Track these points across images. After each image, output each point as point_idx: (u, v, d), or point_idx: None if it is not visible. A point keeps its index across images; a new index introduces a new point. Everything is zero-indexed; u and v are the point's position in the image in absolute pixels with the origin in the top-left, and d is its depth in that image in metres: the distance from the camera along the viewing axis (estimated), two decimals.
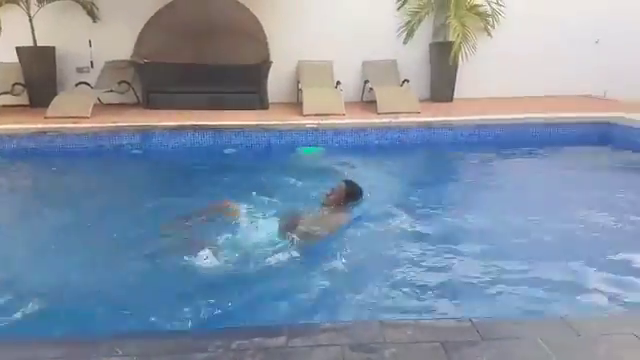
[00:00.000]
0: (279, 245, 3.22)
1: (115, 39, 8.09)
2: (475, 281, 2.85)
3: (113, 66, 8.08)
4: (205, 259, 3.02)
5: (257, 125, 6.42)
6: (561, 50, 8.66)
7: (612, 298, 2.58)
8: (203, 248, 3.09)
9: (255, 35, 7.74)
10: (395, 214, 3.88)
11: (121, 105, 8.01)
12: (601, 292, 2.64)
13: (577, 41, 8.69)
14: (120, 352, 1.88)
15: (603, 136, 6.57)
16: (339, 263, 3.09)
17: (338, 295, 2.78)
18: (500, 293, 2.67)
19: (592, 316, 2.22)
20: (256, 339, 1.97)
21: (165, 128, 6.33)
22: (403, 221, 3.77)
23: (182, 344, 1.96)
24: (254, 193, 4.05)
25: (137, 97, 8.12)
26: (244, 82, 7.69)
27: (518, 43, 8.50)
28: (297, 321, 2.40)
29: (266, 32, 7.75)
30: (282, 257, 3.08)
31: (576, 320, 1.99)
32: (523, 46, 8.52)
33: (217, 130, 6.33)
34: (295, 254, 3.13)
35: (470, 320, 2.03)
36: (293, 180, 4.88)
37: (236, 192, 4.49)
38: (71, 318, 2.49)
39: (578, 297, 2.63)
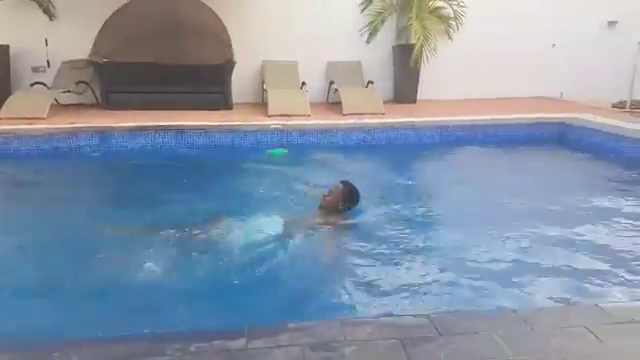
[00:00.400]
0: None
1: (73, 38, 7.84)
2: (435, 277, 2.90)
3: (71, 66, 7.83)
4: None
5: (221, 125, 6.35)
6: (519, 53, 8.89)
7: (564, 292, 2.67)
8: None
9: (219, 35, 7.65)
10: (358, 214, 3.89)
11: (79, 106, 7.77)
12: (553, 286, 2.73)
13: (535, 44, 8.95)
14: (75, 359, 1.83)
15: (559, 136, 6.81)
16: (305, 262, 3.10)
17: (301, 294, 2.78)
18: (458, 288, 2.73)
19: (545, 310, 2.29)
20: (215, 342, 1.94)
21: (125, 129, 6.17)
22: (365, 220, 3.79)
23: (139, 348, 1.92)
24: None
25: (96, 97, 7.89)
26: (208, 82, 7.58)
27: (477, 46, 8.68)
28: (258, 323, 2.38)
29: (230, 32, 7.67)
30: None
31: (530, 314, 2.05)
32: (482, 49, 8.71)
33: (179, 131, 6.23)
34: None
35: (428, 316, 2.06)
36: (258, 182, 4.85)
37: (199, 194, 4.46)
38: (19, 324, 2.41)
39: (530, 291, 2.72)
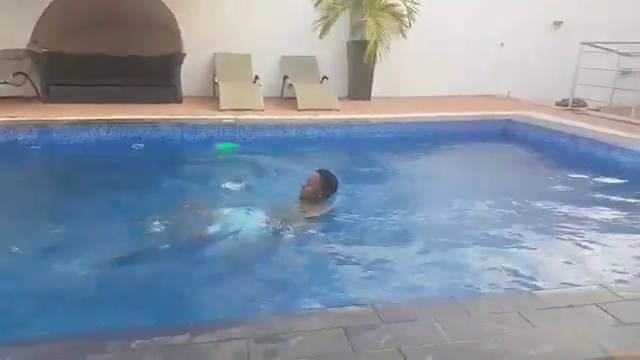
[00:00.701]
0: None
1: (9, 26, 7.45)
2: (383, 267, 2.96)
3: (7, 56, 7.43)
4: None
5: (170, 119, 6.21)
6: (469, 52, 9.16)
7: (500, 280, 2.80)
8: None
9: (167, 25, 7.45)
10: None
11: (17, 98, 7.40)
12: (490, 274, 2.85)
13: (484, 44, 9.24)
14: (8, 359, 1.75)
15: (505, 132, 7.07)
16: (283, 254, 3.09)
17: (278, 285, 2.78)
18: (403, 277, 2.80)
19: (481, 296, 2.39)
20: (158, 338, 1.92)
21: (67, 123, 5.92)
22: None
23: (77, 347, 1.86)
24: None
25: (36, 90, 7.54)
26: (156, 74, 7.37)
27: (429, 45, 8.90)
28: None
29: (180, 22, 7.50)
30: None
31: (467, 301, 2.13)
32: (434, 48, 8.94)
33: (126, 125, 6.04)
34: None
35: (372, 305, 2.11)
36: (208, 176, 4.79)
37: (145, 190, 4.36)
38: None
39: (469, 278, 2.83)
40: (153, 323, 2.34)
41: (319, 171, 3.91)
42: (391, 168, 5.69)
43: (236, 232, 3.29)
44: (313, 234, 3.43)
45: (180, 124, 6.18)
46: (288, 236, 3.34)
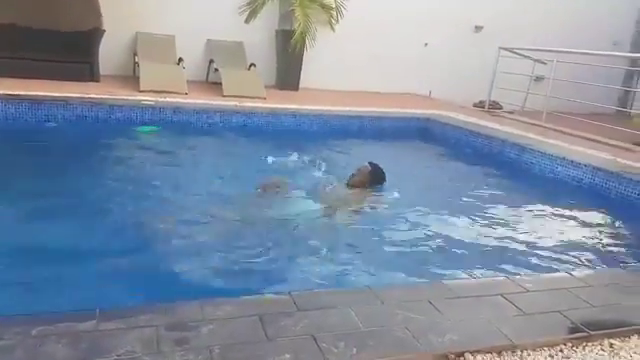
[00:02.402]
0: None
1: None
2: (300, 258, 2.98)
3: None
4: None
5: (84, 98, 5.83)
6: (394, 50, 9.39)
7: (413, 270, 2.91)
8: None
9: None
10: (229, 196, 3.86)
11: None
12: (404, 265, 2.97)
13: (409, 43, 9.51)
14: None
15: (424, 130, 7.34)
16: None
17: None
18: (319, 267, 2.84)
19: (395, 286, 2.47)
20: (62, 324, 1.82)
21: None
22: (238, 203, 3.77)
23: None
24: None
25: None
26: (71, 50, 6.90)
27: (357, 41, 9.01)
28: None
29: None
30: None
31: (381, 290, 2.19)
32: (361, 44, 9.07)
33: (35, 101, 5.61)
34: None
35: (289, 293, 2.11)
36: (122, 159, 4.57)
37: (51, 172, 4.08)
38: None
39: (383, 269, 2.93)
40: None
41: (370, 163, 4.33)
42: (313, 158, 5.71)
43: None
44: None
45: (95, 103, 5.83)
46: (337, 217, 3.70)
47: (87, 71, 7.02)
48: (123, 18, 7.64)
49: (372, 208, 4.10)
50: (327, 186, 4.30)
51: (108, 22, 7.16)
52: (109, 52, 7.48)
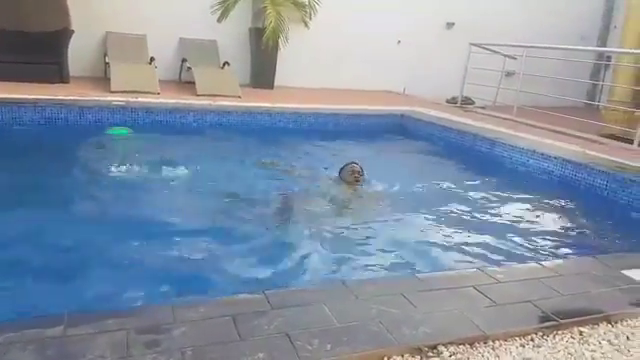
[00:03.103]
0: None
1: None
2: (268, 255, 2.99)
3: None
4: None
5: (53, 100, 5.70)
6: (368, 48, 9.42)
7: (387, 264, 2.93)
8: None
9: None
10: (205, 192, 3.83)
11: None
12: (378, 259, 2.99)
13: (382, 40, 9.55)
14: None
15: (399, 126, 7.39)
16: None
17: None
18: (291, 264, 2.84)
19: (369, 280, 2.48)
20: (28, 331, 1.78)
21: None
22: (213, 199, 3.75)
23: None
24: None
25: None
26: (40, 51, 6.75)
27: (331, 38, 9.01)
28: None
29: None
30: None
31: (355, 285, 2.20)
32: (336, 42, 9.07)
33: (2, 104, 5.46)
34: None
35: (263, 292, 2.09)
36: (92, 161, 4.49)
37: (18, 176, 3.99)
38: None
39: (356, 264, 2.95)
40: None
41: (354, 162, 4.51)
42: (290, 157, 5.70)
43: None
44: None
45: (64, 105, 5.71)
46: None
47: (56, 72, 6.87)
48: (92, 18, 7.50)
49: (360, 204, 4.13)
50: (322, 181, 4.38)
51: (77, 22, 7.02)
52: (79, 53, 7.34)
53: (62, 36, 6.85)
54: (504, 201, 4.47)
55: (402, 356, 1.79)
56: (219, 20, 8.25)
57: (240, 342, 1.77)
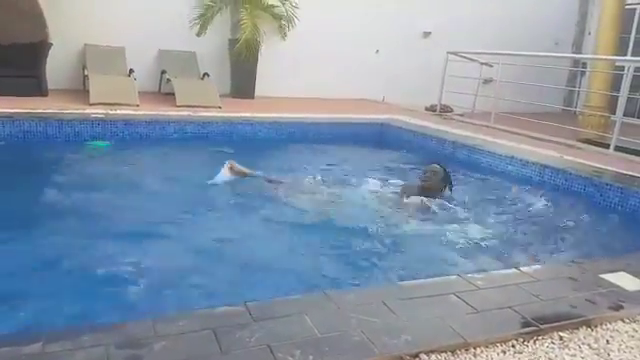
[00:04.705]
0: None
1: None
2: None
3: None
4: None
5: (30, 113, 5.64)
6: (347, 57, 9.51)
7: (369, 272, 2.95)
8: None
9: (30, 10, 6.77)
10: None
11: None
12: (360, 268, 3.00)
13: (360, 50, 9.64)
14: None
15: (379, 134, 7.45)
16: None
17: None
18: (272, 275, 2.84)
19: (350, 290, 2.48)
20: (5, 348, 1.74)
21: None
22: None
23: None
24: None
25: None
26: (17, 65, 6.70)
27: (310, 48, 9.08)
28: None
29: (46, 9, 6.85)
30: None
31: (336, 294, 2.20)
32: (314, 52, 9.14)
33: None
34: None
35: (245, 304, 2.08)
36: (72, 176, 4.43)
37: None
38: None
39: (335, 274, 2.96)
40: None
41: (439, 164, 4.48)
42: (272, 167, 5.70)
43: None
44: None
45: (42, 118, 5.63)
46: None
47: (34, 85, 6.83)
48: (70, 30, 7.47)
49: None
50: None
51: (55, 35, 6.96)
52: (57, 65, 7.30)
53: (40, 49, 6.80)
54: (483, 207, 4.51)
55: None
56: (198, 34, 8.28)
57: (222, 356, 1.75)
